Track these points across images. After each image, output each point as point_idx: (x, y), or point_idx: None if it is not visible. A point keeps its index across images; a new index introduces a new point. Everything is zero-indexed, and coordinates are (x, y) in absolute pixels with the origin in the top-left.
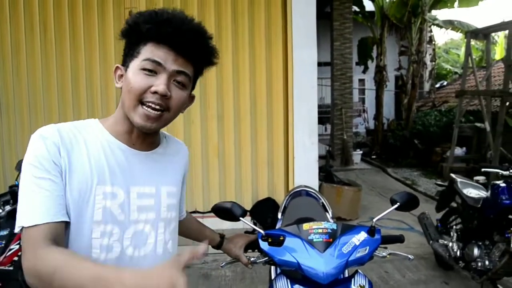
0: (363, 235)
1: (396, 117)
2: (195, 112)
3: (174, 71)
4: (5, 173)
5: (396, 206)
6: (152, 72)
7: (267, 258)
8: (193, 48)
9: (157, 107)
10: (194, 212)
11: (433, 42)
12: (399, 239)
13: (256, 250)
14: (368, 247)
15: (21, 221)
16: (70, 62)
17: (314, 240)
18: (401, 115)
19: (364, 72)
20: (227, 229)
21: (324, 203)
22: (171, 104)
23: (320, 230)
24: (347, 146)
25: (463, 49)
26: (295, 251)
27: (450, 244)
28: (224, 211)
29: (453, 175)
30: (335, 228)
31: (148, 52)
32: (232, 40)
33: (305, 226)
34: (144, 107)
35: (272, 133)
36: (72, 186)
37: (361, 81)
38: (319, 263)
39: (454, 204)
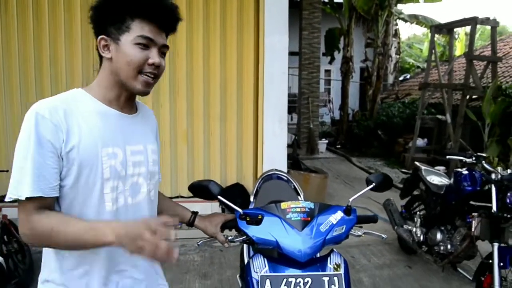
0: (339, 214)
1: (361, 108)
2: (164, 96)
3: (162, 45)
4: None
5: (371, 186)
6: (145, 46)
7: (244, 237)
8: (172, 24)
9: (152, 75)
10: None
11: (398, 36)
12: (373, 219)
13: (232, 230)
14: (344, 226)
15: (15, 193)
16: (32, 36)
17: (292, 218)
18: (365, 106)
19: (330, 62)
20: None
21: (296, 186)
22: (159, 71)
23: (298, 209)
24: (313, 135)
25: (426, 44)
26: (274, 229)
27: (414, 229)
28: (201, 189)
29: (417, 163)
30: (312, 207)
31: (139, 28)
32: (203, 23)
33: (283, 205)
34: (144, 76)
35: (241, 118)
36: (80, 154)
37: (327, 71)
38: (297, 242)
39: (417, 192)
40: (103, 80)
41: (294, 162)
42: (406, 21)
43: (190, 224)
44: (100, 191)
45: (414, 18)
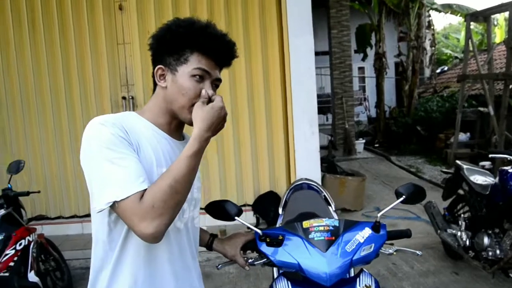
0: (367, 232)
1: (398, 104)
2: None
3: (216, 78)
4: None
5: (401, 199)
6: (200, 78)
7: (265, 259)
8: (229, 61)
9: None
10: None
11: (432, 27)
12: (406, 234)
13: (254, 251)
14: (373, 245)
15: (111, 197)
16: (61, 57)
17: (315, 238)
18: (402, 102)
19: (363, 59)
20: (230, 224)
21: (326, 195)
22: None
23: (322, 228)
24: (349, 135)
25: (462, 33)
26: (295, 251)
27: (459, 233)
28: (218, 210)
29: (458, 162)
30: (337, 225)
31: (197, 61)
32: (225, 28)
33: (305, 223)
34: None
35: (271, 124)
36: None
37: (361, 69)
38: (322, 264)
39: (461, 192)
40: (155, 107)
41: (329, 166)
42: (439, 11)
43: (209, 247)
44: None
45: (448, 8)
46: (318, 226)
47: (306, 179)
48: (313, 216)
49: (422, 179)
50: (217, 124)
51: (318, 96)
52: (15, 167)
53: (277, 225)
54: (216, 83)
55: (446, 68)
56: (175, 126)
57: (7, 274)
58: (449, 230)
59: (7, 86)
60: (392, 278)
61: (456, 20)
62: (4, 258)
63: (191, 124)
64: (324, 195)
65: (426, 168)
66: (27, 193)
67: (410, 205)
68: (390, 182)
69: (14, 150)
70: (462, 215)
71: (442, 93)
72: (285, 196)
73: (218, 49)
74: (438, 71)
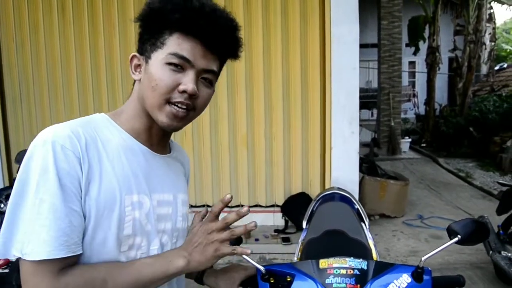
0: (405, 280)
1: (450, 103)
2: (222, 98)
3: (202, 69)
4: None
5: (455, 240)
6: (178, 67)
7: None
8: (224, 43)
9: (184, 106)
10: None
11: (493, 20)
12: (458, 282)
13: None
14: None
15: (27, 251)
16: (89, 44)
17: (334, 285)
18: (455, 100)
19: (415, 54)
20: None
21: (360, 210)
22: (197, 103)
23: (343, 271)
24: (394, 133)
25: None
26: None
27: None
28: None
29: None
30: (365, 268)
31: (175, 45)
32: (262, 13)
33: (323, 263)
34: (171, 106)
35: (307, 121)
36: (99, 200)
37: (412, 63)
38: None
39: None
40: (130, 107)
41: (370, 166)
42: (502, 3)
43: (198, 280)
44: (115, 249)
45: None
46: (339, 268)
47: (339, 188)
48: (341, 234)
49: (473, 185)
50: (201, 253)
51: (364, 90)
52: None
53: (299, 241)
54: (205, 76)
55: (505, 65)
56: (157, 133)
57: (7, 270)
58: (503, 253)
59: (35, 73)
60: None
61: None
62: None
63: (166, 128)
64: (358, 209)
65: (477, 174)
66: None
67: (457, 215)
68: (437, 188)
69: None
70: None
71: (500, 92)
72: (311, 207)
73: (204, 28)
74: (496, 68)
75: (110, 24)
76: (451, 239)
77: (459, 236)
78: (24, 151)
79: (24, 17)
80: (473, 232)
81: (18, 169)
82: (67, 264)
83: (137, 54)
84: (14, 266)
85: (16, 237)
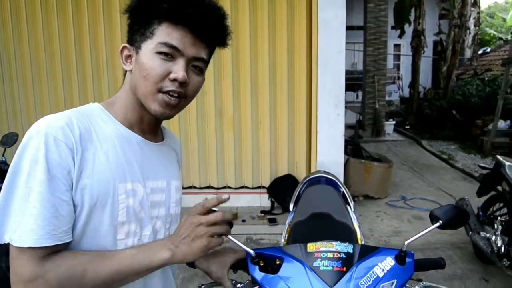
0: (389, 263)
1: (434, 86)
2: (208, 82)
3: (192, 57)
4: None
5: (437, 225)
6: (168, 56)
7: (258, 286)
8: (212, 31)
9: (176, 94)
10: (207, 187)
11: (478, 5)
12: (439, 265)
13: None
14: (395, 281)
15: (15, 237)
16: (72, 26)
17: (321, 268)
18: (439, 83)
19: (400, 36)
20: (244, 206)
21: (345, 193)
22: (188, 90)
23: (330, 255)
24: (379, 116)
25: (510, 12)
26: (295, 281)
27: (493, 237)
28: None
29: (500, 158)
30: (350, 251)
31: (164, 34)
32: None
33: (310, 246)
34: (163, 94)
35: (293, 104)
36: (92, 190)
37: (397, 46)
38: None
39: (499, 188)
40: (123, 97)
41: (355, 149)
42: None
43: (190, 263)
44: (111, 237)
45: None
46: (326, 251)
47: (325, 172)
48: (327, 217)
49: (455, 167)
50: (188, 245)
51: (350, 72)
52: (9, 140)
53: (287, 224)
54: (195, 64)
55: (488, 50)
56: (149, 122)
57: None
58: (482, 233)
59: (17, 55)
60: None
61: None
62: None
63: (158, 116)
64: (343, 192)
65: (459, 156)
66: None
67: (438, 196)
68: (420, 169)
69: (23, 119)
70: (498, 218)
71: (483, 76)
72: (298, 190)
73: (192, 17)
74: (480, 52)
75: (94, 5)
76: (433, 224)
77: (440, 222)
78: (10, 134)
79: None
80: (454, 217)
81: (4, 151)
82: (53, 251)
83: (127, 45)
84: (1, 249)
85: (7, 224)
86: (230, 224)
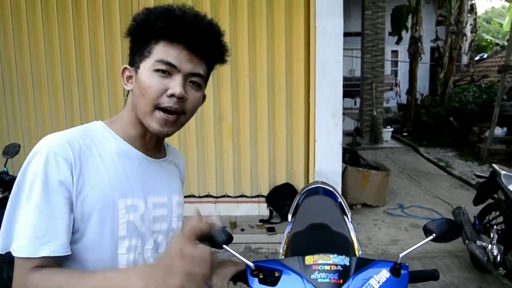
0: (384, 275)
1: (431, 93)
2: (207, 90)
3: (188, 73)
4: None
5: (431, 238)
6: (165, 73)
7: None
8: (207, 47)
9: (173, 109)
10: (206, 196)
11: (474, 11)
12: (433, 276)
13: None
14: None
15: (15, 247)
16: (73, 33)
17: (319, 280)
18: (436, 90)
19: (397, 43)
20: (242, 215)
21: (343, 203)
22: (186, 106)
23: (328, 267)
24: (376, 122)
25: (507, 18)
26: None
27: (490, 246)
28: (204, 236)
29: (496, 166)
30: (347, 264)
31: (161, 52)
32: (248, 5)
33: (308, 259)
34: (161, 112)
35: (291, 113)
36: (92, 204)
37: (394, 52)
38: None
39: (495, 196)
40: (125, 116)
41: (352, 157)
42: None
43: None
44: (112, 252)
45: None
46: (324, 264)
47: (323, 182)
48: (325, 228)
49: (452, 174)
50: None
51: (348, 79)
52: (11, 150)
53: (285, 234)
54: (193, 80)
55: (485, 56)
56: (151, 139)
57: None
58: (478, 242)
59: (18, 66)
60: None
61: (500, 3)
62: None
63: (157, 134)
64: (341, 203)
65: (456, 163)
66: None
67: (436, 205)
68: (417, 177)
69: (23, 126)
70: (494, 226)
71: (480, 83)
72: (296, 200)
73: (187, 34)
74: (476, 58)
75: (94, 10)
76: (427, 237)
77: (434, 235)
78: (12, 145)
79: (6, 2)
80: (447, 231)
81: (6, 162)
82: (49, 263)
83: (128, 66)
84: (4, 259)
85: (12, 234)
86: (229, 237)
